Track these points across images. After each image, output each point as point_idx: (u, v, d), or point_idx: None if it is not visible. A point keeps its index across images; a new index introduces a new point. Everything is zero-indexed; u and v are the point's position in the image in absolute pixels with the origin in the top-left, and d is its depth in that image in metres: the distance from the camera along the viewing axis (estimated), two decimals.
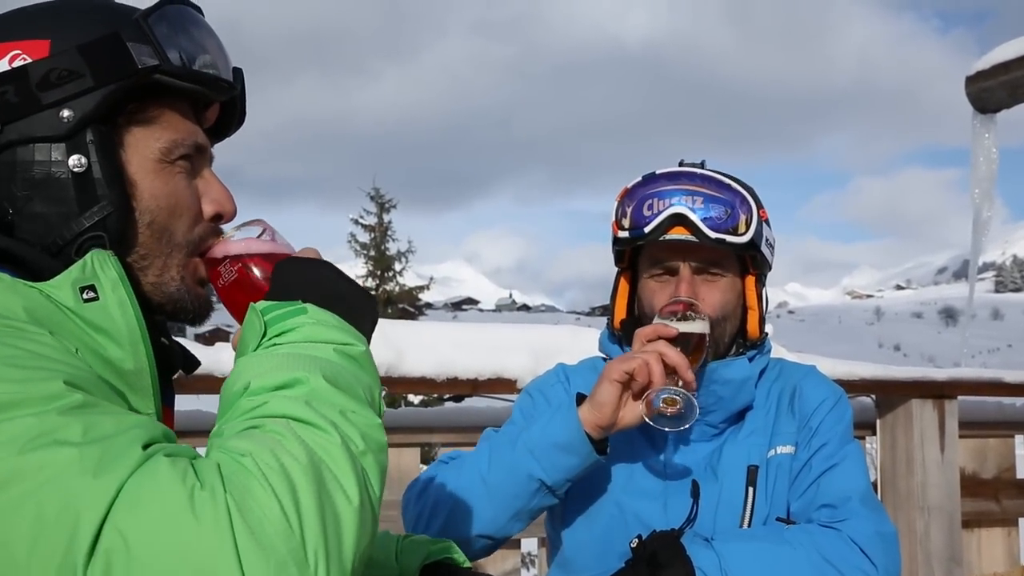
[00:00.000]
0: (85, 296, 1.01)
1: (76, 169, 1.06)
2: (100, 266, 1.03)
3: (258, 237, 1.14)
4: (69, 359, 0.91)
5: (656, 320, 1.72)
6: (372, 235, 23.30)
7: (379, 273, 22.85)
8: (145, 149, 1.10)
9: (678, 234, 1.74)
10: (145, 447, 0.81)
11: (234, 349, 1.05)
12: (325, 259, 1.10)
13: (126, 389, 1.02)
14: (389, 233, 23.42)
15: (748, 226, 1.76)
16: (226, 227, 1.17)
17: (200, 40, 1.14)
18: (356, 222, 23.50)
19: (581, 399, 1.69)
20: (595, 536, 1.78)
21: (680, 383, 1.63)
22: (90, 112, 1.06)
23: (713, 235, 1.73)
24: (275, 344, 0.96)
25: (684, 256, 1.78)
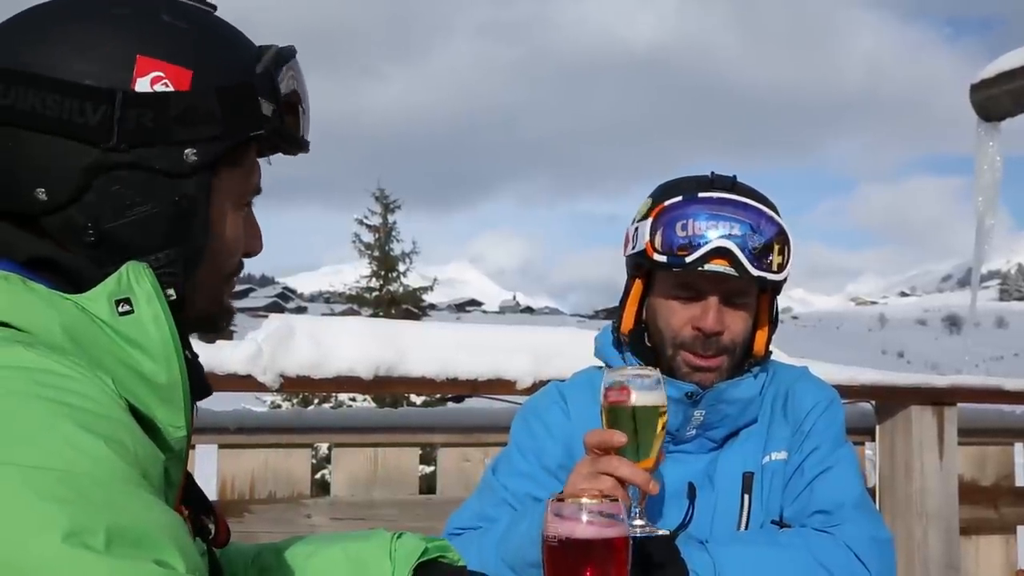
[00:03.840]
0: (120, 309, 1.01)
1: (179, 208, 1.06)
2: (135, 279, 1.02)
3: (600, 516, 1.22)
4: (111, 422, 0.91)
5: (606, 378, 1.59)
6: (376, 236, 23.30)
7: (383, 274, 22.85)
8: (230, 192, 1.12)
9: (718, 265, 1.69)
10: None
11: None
12: None
13: (158, 403, 1.02)
14: (393, 234, 23.42)
15: (785, 262, 1.74)
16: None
17: (305, 101, 1.16)
18: (360, 222, 23.51)
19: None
20: None
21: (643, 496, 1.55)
22: (211, 160, 1.06)
23: (755, 272, 1.70)
24: None
25: (716, 285, 1.74)
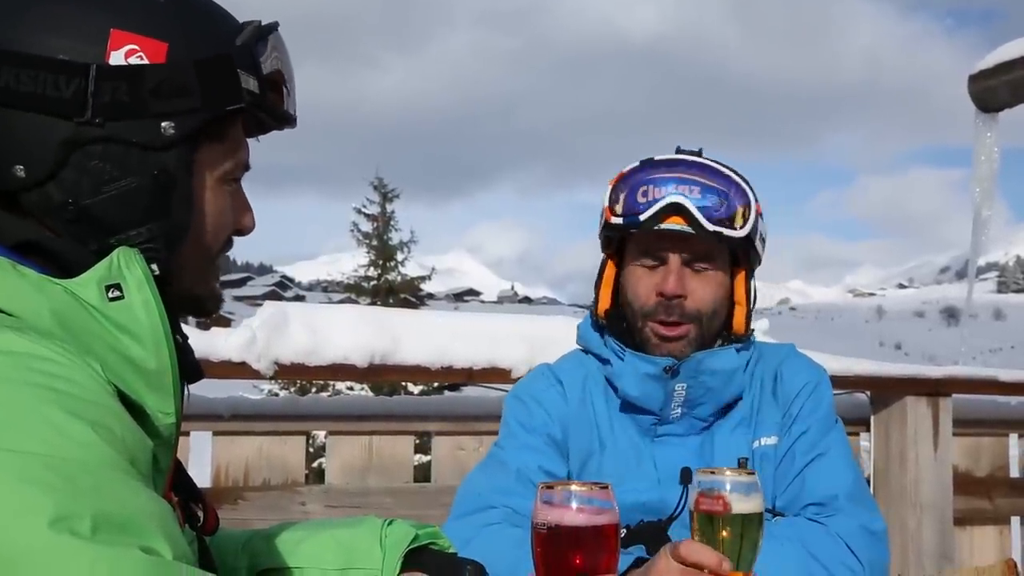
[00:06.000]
0: (110, 295, 1.00)
1: (158, 182, 1.06)
2: (126, 264, 1.02)
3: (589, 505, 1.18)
4: (98, 407, 0.91)
5: (699, 479, 1.31)
6: (375, 225, 23.28)
7: (381, 263, 22.84)
8: (214, 167, 1.11)
9: (674, 224, 1.70)
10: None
11: None
12: None
13: (147, 389, 1.02)
14: (392, 223, 23.41)
15: (745, 220, 1.73)
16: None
17: (288, 75, 1.15)
18: (359, 211, 23.50)
19: None
20: None
21: None
22: (188, 133, 1.06)
23: (711, 227, 1.70)
24: None
25: (676, 247, 1.75)
